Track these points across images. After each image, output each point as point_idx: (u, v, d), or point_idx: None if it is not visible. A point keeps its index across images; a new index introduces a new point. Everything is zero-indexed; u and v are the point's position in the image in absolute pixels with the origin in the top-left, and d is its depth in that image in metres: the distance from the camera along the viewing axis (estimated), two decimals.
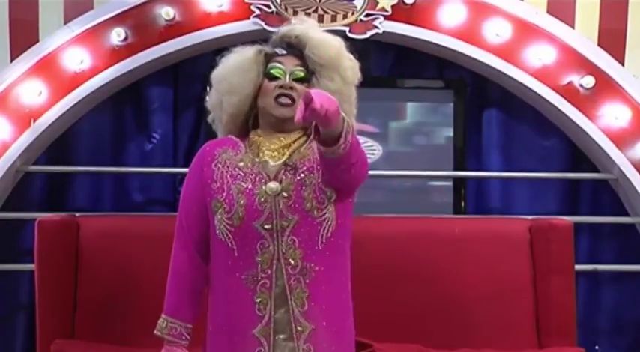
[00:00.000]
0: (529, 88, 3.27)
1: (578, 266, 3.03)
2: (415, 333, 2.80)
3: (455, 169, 3.38)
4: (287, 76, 1.90)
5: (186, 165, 3.35)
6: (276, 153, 1.88)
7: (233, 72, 1.94)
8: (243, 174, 1.85)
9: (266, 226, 1.81)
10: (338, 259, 1.87)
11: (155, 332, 1.93)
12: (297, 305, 1.82)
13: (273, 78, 1.90)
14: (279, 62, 1.92)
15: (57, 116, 3.16)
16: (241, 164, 1.87)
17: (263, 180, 1.84)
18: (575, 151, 3.43)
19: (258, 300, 1.82)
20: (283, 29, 1.97)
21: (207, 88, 2.09)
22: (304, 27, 1.94)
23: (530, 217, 3.09)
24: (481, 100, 3.47)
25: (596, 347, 3.41)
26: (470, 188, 3.43)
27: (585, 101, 3.24)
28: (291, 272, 1.82)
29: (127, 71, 3.19)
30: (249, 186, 1.84)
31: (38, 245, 2.76)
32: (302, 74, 1.91)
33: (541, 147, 3.46)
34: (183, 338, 1.92)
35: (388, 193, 3.39)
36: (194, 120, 3.42)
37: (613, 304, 3.46)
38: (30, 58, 3.14)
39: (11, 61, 3.20)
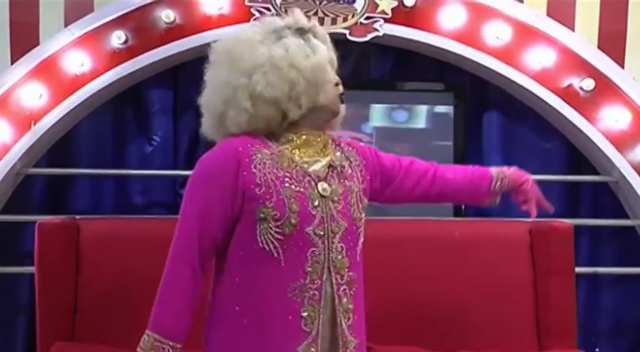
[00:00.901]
0: (529, 91, 3.27)
1: (578, 269, 3.03)
2: (415, 336, 2.79)
3: None
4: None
5: (187, 168, 3.41)
6: (319, 150, 1.76)
7: (326, 64, 1.79)
8: (289, 176, 1.69)
9: (319, 231, 1.68)
10: (363, 270, 1.81)
11: (138, 350, 1.70)
12: (345, 318, 1.71)
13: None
14: None
15: (57, 119, 3.16)
16: (285, 165, 1.70)
17: (313, 182, 1.71)
18: (576, 154, 3.43)
19: (305, 315, 1.67)
20: (298, 20, 1.80)
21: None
22: (312, 23, 1.82)
23: (530, 220, 3.07)
24: (481, 103, 3.48)
25: (597, 349, 3.41)
26: None
27: (585, 103, 3.25)
28: (340, 282, 1.70)
29: (127, 74, 3.19)
30: (301, 189, 1.69)
31: (38, 247, 2.76)
32: None
33: (541, 149, 3.46)
34: None
35: None
36: (194, 122, 3.39)
37: (613, 306, 3.46)
38: (30, 60, 3.14)
39: (12, 63, 3.21)
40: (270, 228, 1.66)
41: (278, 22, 1.80)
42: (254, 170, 1.68)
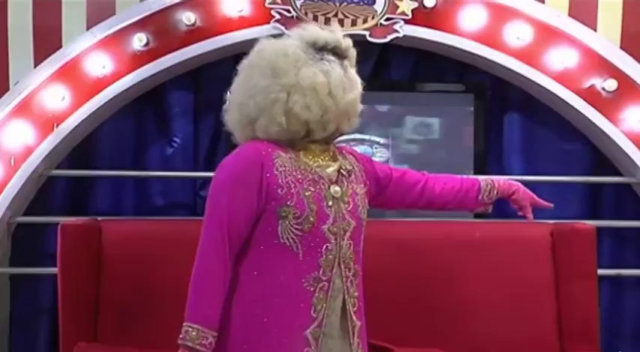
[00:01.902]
0: (551, 92, 3.25)
1: (600, 271, 3.00)
2: (435, 338, 2.78)
3: (476, 173, 3.36)
4: None
5: (207, 170, 3.43)
6: (329, 157, 1.94)
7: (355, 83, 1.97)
8: (307, 179, 1.87)
9: (333, 229, 1.86)
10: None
11: (182, 342, 1.81)
12: (351, 305, 1.90)
13: None
14: None
15: (79, 121, 3.19)
16: (302, 168, 1.88)
17: (326, 184, 1.88)
18: (598, 155, 3.40)
19: (315, 302, 1.85)
20: (337, 40, 1.92)
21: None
22: (348, 42, 1.95)
23: (552, 221, 3.06)
24: (502, 104, 3.46)
25: None
26: None
27: (608, 104, 3.22)
28: (348, 274, 1.89)
29: (148, 76, 3.21)
30: (317, 190, 1.86)
31: (61, 249, 2.78)
32: None
33: (563, 150, 3.44)
34: (210, 348, 1.82)
35: None
36: (215, 124, 3.42)
37: (636, 309, 3.43)
38: (53, 63, 3.17)
39: (35, 66, 3.24)
40: (291, 226, 1.83)
41: (320, 37, 1.91)
42: (276, 172, 1.84)
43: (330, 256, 1.85)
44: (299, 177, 1.85)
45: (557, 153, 3.43)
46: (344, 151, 2.03)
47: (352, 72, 1.94)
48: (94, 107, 3.19)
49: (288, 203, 1.82)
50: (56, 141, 3.17)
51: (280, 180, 1.83)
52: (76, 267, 2.80)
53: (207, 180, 3.42)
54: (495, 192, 2.19)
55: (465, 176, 2.23)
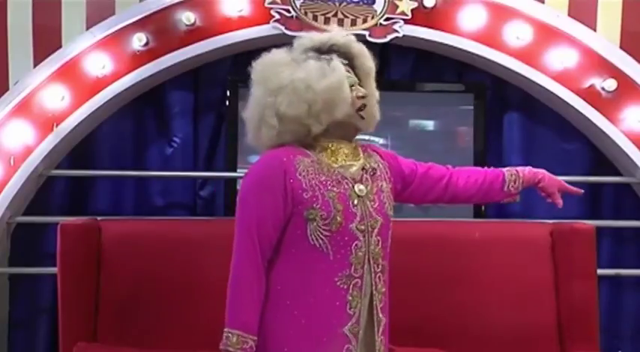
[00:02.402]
0: (550, 92, 3.25)
1: (600, 271, 3.01)
2: (435, 338, 2.78)
3: None
4: (356, 84, 1.97)
5: (207, 169, 3.43)
6: (351, 156, 1.97)
7: (343, 81, 1.93)
8: (331, 181, 1.90)
9: (361, 227, 1.89)
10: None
11: (223, 347, 1.83)
12: (379, 301, 1.93)
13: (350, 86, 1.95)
14: (347, 71, 1.96)
15: (79, 121, 3.19)
16: (325, 170, 1.91)
17: (350, 184, 1.91)
18: (597, 155, 3.40)
19: (350, 299, 1.88)
20: (331, 38, 1.98)
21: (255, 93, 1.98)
22: (349, 38, 2.00)
23: (551, 221, 3.06)
24: (501, 104, 3.46)
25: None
26: None
27: (607, 104, 3.22)
28: (377, 270, 1.92)
29: (148, 76, 3.21)
30: (341, 190, 1.89)
31: (61, 248, 2.78)
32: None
33: (562, 150, 3.44)
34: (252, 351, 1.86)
35: None
36: (214, 124, 3.44)
37: (636, 309, 3.43)
38: (53, 63, 3.17)
39: (34, 66, 3.24)
40: (319, 227, 1.86)
41: (310, 41, 1.99)
42: (299, 176, 1.88)
43: (360, 253, 1.88)
44: (322, 179, 1.89)
45: (557, 152, 3.43)
46: (369, 149, 2.05)
47: (335, 63, 1.92)
48: (93, 107, 3.19)
49: (315, 205, 1.86)
50: (56, 140, 3.17)
51: (304, 184, 1.87)
52: (75, 267, 2.80)
53: (207, 179, 3.45)
54: (520, 182, 2.17)
55: (489, 168, 2.20)
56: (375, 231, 1.91)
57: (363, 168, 1.96)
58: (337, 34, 2.01)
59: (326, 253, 1.86)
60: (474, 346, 2.80)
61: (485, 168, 2.21)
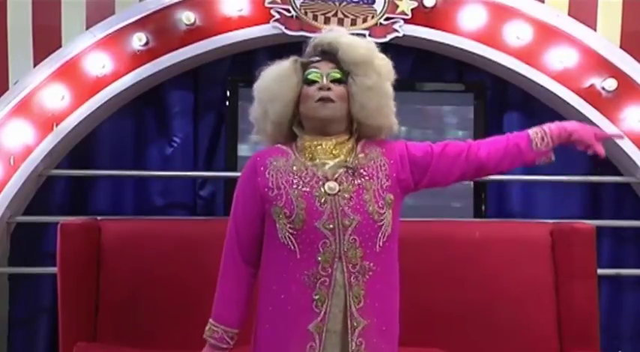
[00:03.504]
0: (550, 91, 3.25)
1: (600, 271, 3.00)
2: (435, 337, 2.78)
3: None
4: (324, 78, 1.95)
5: (206, 169, 3.43)
6: (330, 154, 1.94)
7: (274, 80, 1.98)
8: (299, 178, 1.91)
9: (329, 225, 1.87)
10: (392, 261, 1.97)
11: (204, 336, 1.99)
12: (355, 302, 1.88)
13: (312, 82, 1.95)
14: (316, 67, 1.97)
15: (79, 120, 3.19)
16: (295, 168, 1.92)
17: (320, 182, 1.90)
18: (598, 154, 3.39)
19: (316, 298, 1.87)
20: (316, 39, 2.02)
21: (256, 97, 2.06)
22: (335, 34, 2.01)
23: (551, 221, 3.06)
24: (501, 103, 3.46)
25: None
26: (491, 191, 3.41)
27: (608, 104, 3.22)
28: (352, 270, 1.88)
29: (147, 75, 3.22)
30: (307, 189, 1.89)
31: (60, 248, 2.78)
32: (338, 75, 1.96)
33: (562, 150, 3.38)
34: (224, 342, 1.97)
35: (408, 197, 3.37)
36: (214, 123, 3.44)
37: (636, 309, 3.43)
38: (52, 63, 3.18)
39: (34, 66, 3.24)
40: (285, 224, 1.88)
41: (308, 46, 2.03)
42: (267, 175, 1.93)
43: (329, 252, 1.86)
44: (289, 178, 1.91)
45: (557, 152, 3.37)
46: (373, 145, 1.98)
47: (283, 63, 1.98)
48: (93, 106, 3.19)
49: (278, 203, 1.89)
50: (56, 140, 3.18)
51: (271, 183, 1.91)
52: (75, 267, 2.80)
53: (207, 179, 3.45)
54: (549, 137, 2.02)
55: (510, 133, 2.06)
56: (349, 229, 1.86)
57: (343, 166, 1.92)
58: (328, 34, 2.01)
59: (293, 251, 1.87)
60: (474, 346, 2.79)
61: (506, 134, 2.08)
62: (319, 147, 1.94)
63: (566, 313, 2.86)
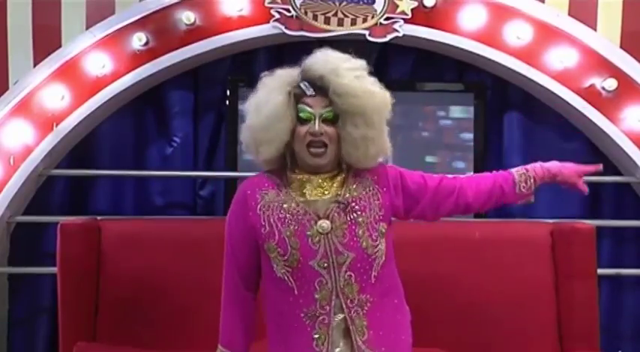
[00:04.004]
0: (550, 91, 3.25)
1: (600, 271, 3.00)
2: (435, 338, 2.77)
3: (475, 172, 3.36)
4: (316, 120, 1.88)
5: (206, 169, 3.43)
6: (320, 189, 1.91)
7: (270, 122, 1.88)
8: (290, 216, 1.87)
9: (323, 264, 1.85)
10: (389, 285, 1.95)
11: None
12: (359, 335, 1.87)
13: (304, 120, 1.89)
14: (308, 104, 1.89)
15: (79, 120, 3.19)
16: (286, 206, 1.88)
17: (312, 220, 1.87)
18: (598, 154, 3.40)
19: (316, 336, 1.86)
20: (308, 64, 1.91)
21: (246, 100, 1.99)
22: (328, 69, 1.88)
23: (552, 221, 3.06)
24: (502, 103, 3.46)
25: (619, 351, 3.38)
26: None
27: (608, 104, 3.22)
28: (350, 305, 1.87)
29: (147, 75, 3.21)
30: (300, 228, 1.86)
31: (60, 248, 2.78)
32: (331, 116, 1.89)
33: (562, 150, 3.43)
34: None
35: None
36: (214, 123, 3.44)
37: (636, 308, 3.43)
38: (52, 62, 3.17)
39: (34, 65, 3.24)
40: (280, 261, 1.87)
41: (304, 64, 1.93)
42: (259, 212, 1.90)
43: (325, 290, 1.85)
44: (281, 215, 1.87)
45: (557, 152, 3.37)
46: (367, 174, 1.94)
47: (272, 98, 1.89)
48: (93, 106, 3.19)
49: (271, 242, 1.87)
50: (56, 140, 3.17)
51: (262, 220, 1.88)
52: (75, 267, 2.80)
53: (207, 179, 3.45)
54: (532, 181, 2.07)
55: (498, 171, 2.09)
56: (344, 267, 1.85)
57: (336, 201, 1.88)
58: (318, 65, 1.89)
59: (291, 287, 1.86)
60: (474, 346, 2.79)
61: (495, 172, 2.09)
62: (308, 184, 1.91)
63: (566, 313, 2.86)
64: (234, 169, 3.30)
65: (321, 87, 1.88)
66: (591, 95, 3.22)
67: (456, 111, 3.44)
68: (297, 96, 1.90)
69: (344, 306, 1.85)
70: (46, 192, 3.31)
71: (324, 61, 1.91)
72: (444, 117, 3.44)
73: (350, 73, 1.88)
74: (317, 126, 1.87)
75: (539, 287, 2.88)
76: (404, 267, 2.78)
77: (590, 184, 3.35)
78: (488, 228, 3.06)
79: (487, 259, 2.88)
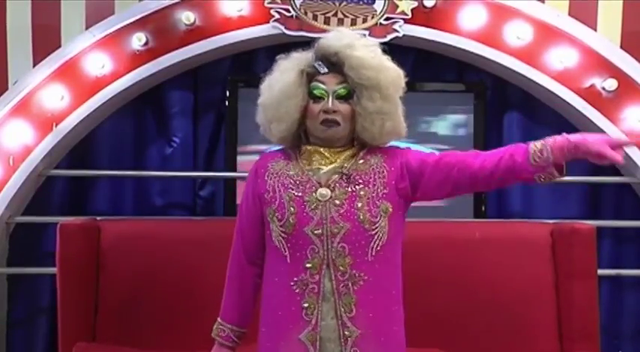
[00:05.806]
0: (550, 91, 3.25)
1: (600, 271, 3.00)
2: (435, 338, 2.77)
3: None
4: (330, 97, 1.89)
5: (206, 169, 3.43)
6: (327, 160, 1.92)
7: (279, 100, 1.90)
8: (293, 183, 1.90)
9: (316, 231, 1.86)
10: (388, 270, 1.92)
11: (211, 334, 2.02)
12: (346, 310, 1.86)
13: (317, 98, 1.89)
14: (321, 82, 1.90)
15: (78, 120, 3.19)
16: (292, 173, 1.92)
17: (313, 187, 1.89)
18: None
19: (305, 305, 1.85)
20: (322, 43, 1.93)
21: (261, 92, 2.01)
22: (342, 43, 1.90)
23: (552, 221, 3.06)
24: (502, 103, 3.46)
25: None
26: (491, 192, 3.41)
27: (608, 104, 3.22)
28: (340, 278, 1.86)
29: (147, 75, 3.21)
30: (300, 194, 1.88)
31: (60, 248, 2.78)
32: (345, 92, 1.89)
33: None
34: (231, 340, 1.99)
35: None
36: (214, 123, 3.43)
37: (636, 309, 3.43)
38: (52, 62, 3.17)
39: (34, 65, 3.24)
40: (278, 227, 1.89)
41: (317, 46, 1.95)
42: (266, 178, 1.94)
43: (317, 258, 1.85)
44: (286, 182, 1.91)
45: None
46: (377, 151, 1.94)
47: (283, 76, 1.91)
48: (93, 106, 3.19)
49: (272, 206, 1.90)
50: (55, 140, 3.17)
51: (268, 186, 1.92)
52: (74, 267, 2.80)
53: (207, 179, 3.45)
54: (549, 151, 1.83)
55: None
56: (338, 237, 1.84)
57: (340, 172, 1.89)
58: (334, 41, 1.91)
59: (285, 255, 1.87)
60: (474, 346, 2.79)
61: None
62: (320, 154, 1.92)
63: (566, 313, 2.86)
64: (234, 169, 3.30)
65: (335, 63, 1.90)
66: (591, 95, 3.22)
67: (456, 112, 3.43)
68: (310, 75, 1.92)
69: (332, 277, 1.85)
70: (46, 192, 3.31)
71: (339, 38, 1.93)
72: (444, 118, 3.44)
73: (364, 48, 1.92)
74: (330, 102, 1.88)
75: (539, 288, 2.88)
76: (404, 267, 2.79)
77: (590, 185, 3.41)
78: (489, 228, 3.06)
79: (487, 259, 2.88)
